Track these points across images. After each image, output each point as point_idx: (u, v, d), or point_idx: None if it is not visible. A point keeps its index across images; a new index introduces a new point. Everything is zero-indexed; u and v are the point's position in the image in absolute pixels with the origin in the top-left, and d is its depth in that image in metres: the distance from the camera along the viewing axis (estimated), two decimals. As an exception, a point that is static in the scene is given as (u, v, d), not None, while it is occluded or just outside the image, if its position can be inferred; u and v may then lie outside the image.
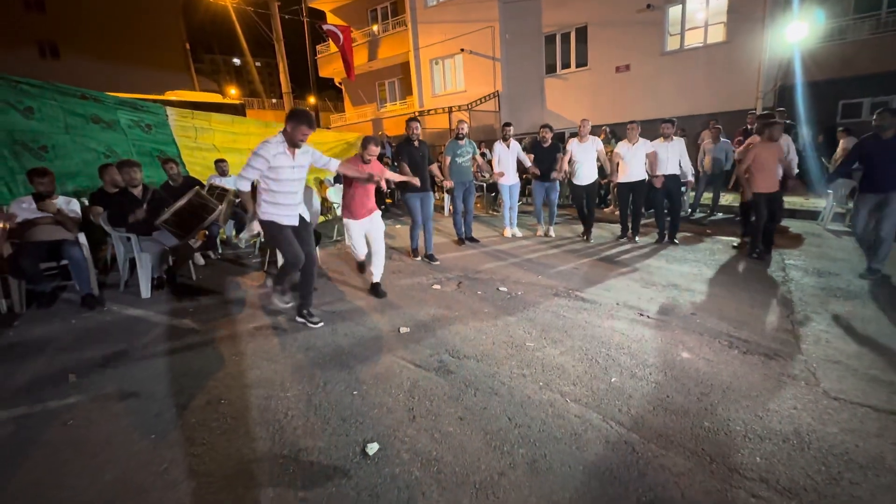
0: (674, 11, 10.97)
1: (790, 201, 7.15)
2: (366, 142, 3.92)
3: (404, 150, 4.82)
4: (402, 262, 5.12)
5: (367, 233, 4.00)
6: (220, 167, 5.88)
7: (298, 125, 2.97)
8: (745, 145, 4.88)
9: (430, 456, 1.89)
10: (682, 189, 7.27)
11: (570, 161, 5.84)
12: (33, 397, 2.43)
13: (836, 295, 3.64)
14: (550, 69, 13.21)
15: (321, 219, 6.07)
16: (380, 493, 1.70)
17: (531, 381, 2.47)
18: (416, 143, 4.83)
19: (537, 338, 3.02)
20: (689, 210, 7.57)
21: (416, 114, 14.92)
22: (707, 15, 10.62)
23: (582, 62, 12.56)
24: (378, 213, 4.06)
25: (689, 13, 10.84)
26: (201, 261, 5.23)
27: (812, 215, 6.64)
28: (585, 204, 5.93)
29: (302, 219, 3.27)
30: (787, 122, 7.05)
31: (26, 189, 4.23)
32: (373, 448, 1.93)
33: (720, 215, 7.31)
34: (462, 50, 14.35)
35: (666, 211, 5.66)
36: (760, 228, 4.73)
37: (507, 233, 6.30)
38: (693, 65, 10.78)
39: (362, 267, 4.44)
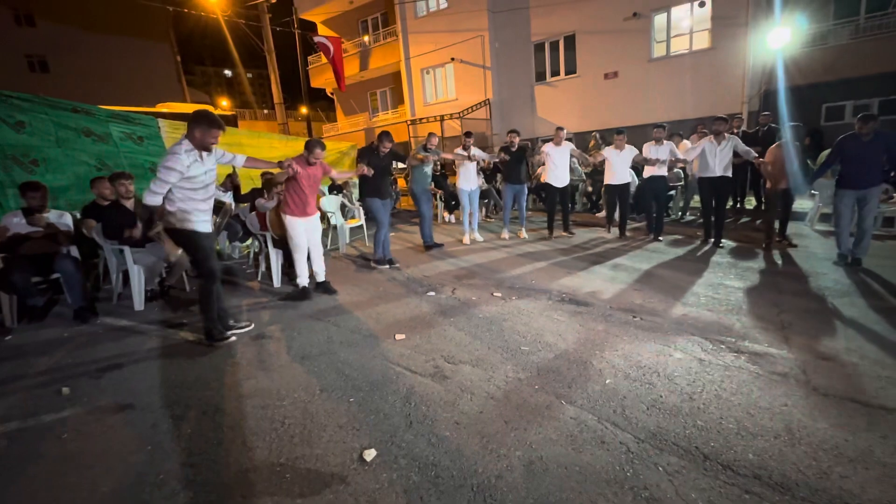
0: (659, 19, 11.21)
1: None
2: (311, 145, 3.97)
3: (366, 157, 4.95)
4: (397, 269, 5.13)
5: (307, 233, 4.10)
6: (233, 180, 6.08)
7: (209, 129, 2.86)
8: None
9: (427, 461, 1.90)
10: (672, 193, 7.42)
11: (543, 163, 6.23)
12: (27, 411, 2.41)
13: (825, 293, 3.71)
14: (540, 77, 13.41)
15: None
16: (378, 498, 1.70)
17: (526, 385, 2.49)
18: (379, 154, 4.95)
19: (532, 342, 3.04)
20: (679, 214, 7.69)
21: (409, 123, 15.04)
22: (692, 22, 10.86)
23: (571, 69, 12.76)
24: (318, 214, 4.22)
25: (674, 20, 11.09)
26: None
27: (799, 216, 6.76)
28: (560, 204, 6.32)
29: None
30: (773, 125, 7.21)
31: (17, 203, 4.22)
32: (370, 454, 1.94)
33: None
34: (452, 59, 14.52)
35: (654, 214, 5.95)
36: (773, 222, 5.32)
37: (466, 239, 6.32)
38: (680, 71, 11.00)
39: (306, 292, 4.20)
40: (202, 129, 2.84)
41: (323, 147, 4.02)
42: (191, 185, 2.91)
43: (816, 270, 4.33)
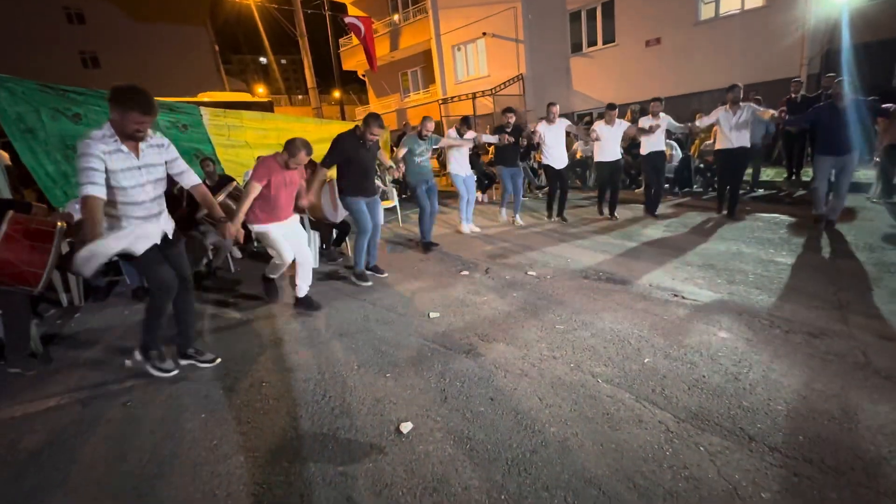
0: (708, -22, 10.37)
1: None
2: (294, 148, 3.16)
3: (344, 147, 3.88)
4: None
5: (288, 238, 3.42)
6: None
7: (127, 112, 2.11)
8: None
9: (462, 434, 1.94)
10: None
11: (539, 143, 5.84)
12: (95, 381, 2.65)
13: (890, 270, 3.42)
14: (576, 48, 12.81)
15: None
16: (415, 468, 1.76)
17: (561, 363, 2.47)
18: (366, 144, 3.92)
19: (567, 320, 3.00)
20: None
21: (441, 102, 14.86)
22: (744, -21, 9.97)
23: (609, 38, 12.10)
24: (297, 217, 3.60)
25: (724, -22, 10.21)
26: (238, 254, 5.46)
27: (861, 188, 6.21)
28: (559, 186, 6.00)
29: (167, 235, 2.53)
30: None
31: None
32: (407, 427, 2.00)
33: (761, 191, 6.96)
34: (484, 34, 14.10)
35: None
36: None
37: (464, 228, 5.84)
38: (730, 33, 10.17)
39: (271, 292, 3.84)
40: (119, 111, 2.12)
41: (309, 151, 3.27)
42: (113, 183, 2.19)
43: (879, 246, 3.99)
